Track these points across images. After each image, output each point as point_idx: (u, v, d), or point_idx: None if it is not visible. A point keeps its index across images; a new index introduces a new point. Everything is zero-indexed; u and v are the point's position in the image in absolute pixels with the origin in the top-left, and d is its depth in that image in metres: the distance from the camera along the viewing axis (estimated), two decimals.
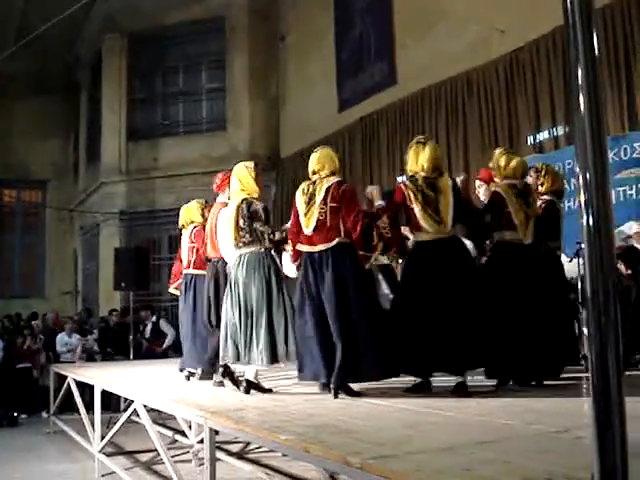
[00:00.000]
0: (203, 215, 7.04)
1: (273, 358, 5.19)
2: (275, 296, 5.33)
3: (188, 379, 6.84)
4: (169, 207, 16.29)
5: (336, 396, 4.71)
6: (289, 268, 5.80)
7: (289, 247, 5.53)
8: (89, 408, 8.14)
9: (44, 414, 11.34)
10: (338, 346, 4.75)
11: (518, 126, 9.86)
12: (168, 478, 6.26)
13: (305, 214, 5.13)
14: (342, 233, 4.98)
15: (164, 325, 12.82)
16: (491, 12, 10.33)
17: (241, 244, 5.54)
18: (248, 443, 7.41)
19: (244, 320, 5.35)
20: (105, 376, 7.72)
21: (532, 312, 4.92)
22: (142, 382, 6.87)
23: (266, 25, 16.79)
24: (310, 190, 5.18)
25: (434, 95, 11.46)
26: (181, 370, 7.05)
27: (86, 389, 9.09)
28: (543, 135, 9.43)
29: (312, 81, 15.04)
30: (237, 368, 5.59)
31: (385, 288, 7.47)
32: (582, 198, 1.84)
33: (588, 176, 1.83)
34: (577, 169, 1.86)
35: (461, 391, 4.62)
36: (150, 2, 16.52)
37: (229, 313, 5.49)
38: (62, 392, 9.66)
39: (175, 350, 11.12)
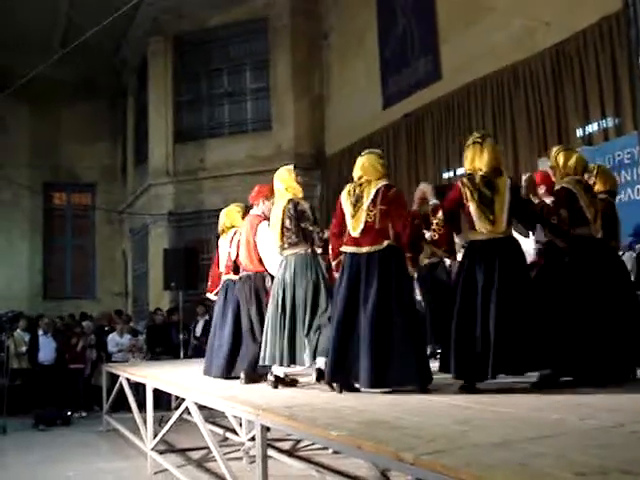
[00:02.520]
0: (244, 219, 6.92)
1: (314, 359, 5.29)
2: (322, 299, 5.37)
3: None
4: (216, 207, 16.34)
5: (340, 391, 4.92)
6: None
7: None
8: (141, 406, 8.26)
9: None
10: (367, 350, 4.75)
11: (566, 119, 9.71)
12: (220, 475, 6.32)
13: (352, 216, 5.11)
14: (391, 236, 5.00)
15: None
16: (536, 3, 10.20)
17: (286, 245, 5.57)
18: (299, 440, 7.44)
19: (290, 322, 5.37)
20: (156, 375, 7.81)
21: (608, 309, 4.82)
22: (192, 381, 6.93)
23: (308, 24, 16.80)
24: (357, 192, 5.17)
25: (480, 89, 11.35)
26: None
27: (138, 388, 9.23)
28: (592, 127, 9.27)
29: (356, 78, 15.00)
30: (278, 370, 5.61)
31: (417, 294, 7.55)
32: None
33: None
34: None
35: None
36: (193, 5, 16.67)
37: (273, 316, 5.51)
38: (114, 391, 9.81)
39: None
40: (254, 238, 6.26)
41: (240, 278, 6.52)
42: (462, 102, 11.76)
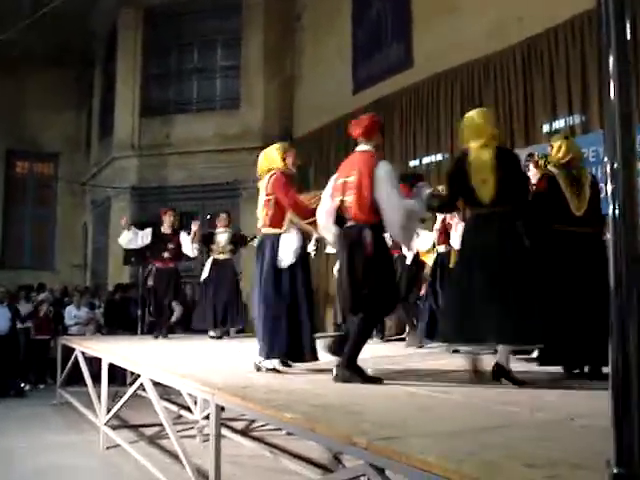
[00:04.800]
0: (284, 159, 5.93)
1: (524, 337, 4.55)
2: (524, 264, 4.62)
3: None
4: (180, 184, 16.34)
5: None
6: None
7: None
8: (96, 380, 8.21)
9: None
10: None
11: (534, 113, 9.79)
12: (173, 453, 6.31)
13: (576, 195, 5.05)
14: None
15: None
16: None
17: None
18: (253, 421, 7.46)
19: (489, 291, 4.55)
20: (113, 350, 7.76)
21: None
22: (149, 357, 6.90)
23: (282, 4, 16.69)
24: (574, 175, 5.15)
25: (450, 80, 11.38)
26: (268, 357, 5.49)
27: (93, 362, 9.16)
28: (559, 123, 9.36)
29: (327, 61, 14.95)
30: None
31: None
32: (609, 188, 1.82)
33: (616, 165, 1.81)
34: (605, 158, 1.84)
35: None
36: None
37: (463, 283, 4.73)
38: (69, 364, 9.73)
39: (184, 328, 11.12)
40: (370, 181, 4.95)
41: (345, 228, 5.06)
42: (432, 91, 11.79)
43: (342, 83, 14.24)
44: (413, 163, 11.96)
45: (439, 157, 11.45)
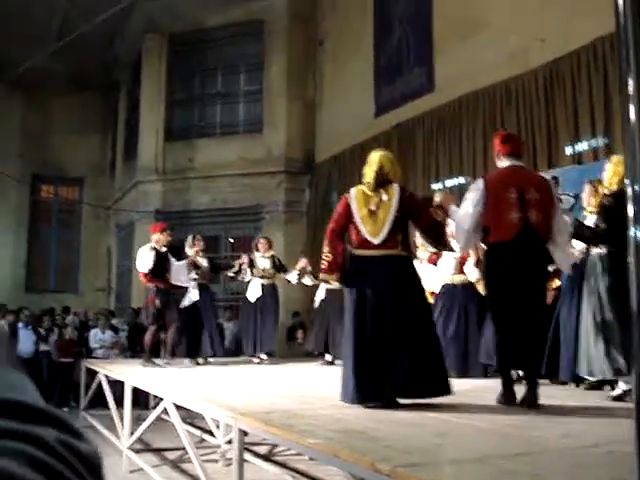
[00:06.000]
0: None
1: None
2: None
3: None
4: (204, 208, 16.42)
5: None
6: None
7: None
8: (119, 404, 8.23)
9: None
10: None
11: (557, 136, 9.77)
12: (195, 477, 6.31)
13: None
14: None
15: None
16: (532, 21, 10.25)
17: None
18: (275, 445, 7.43)
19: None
20: (136, 373, 7.79)
21: None
22: (172, 380, 6.91)
23: (305, 29, 16.82)
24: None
25: (472, 103, 11.39)
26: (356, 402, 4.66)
27: (116, 385, 9.18)
28: (582, 146, 9.33)
29: (349, 86, 15.02)
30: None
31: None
32: (630, 211, 1.81)
33: (637, 188, 1.80)
34: (626, 181, 1.83)
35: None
36: (190, 5, 16.62)
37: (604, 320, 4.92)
38: (93, 387, 9.76)
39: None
40: (550, 201, 4.76)
41: (532, 244, 4.67)
42: (454, 115, 11.80)
43: (364, 107, 14.30)
44: (435, 186, 11.95)
45: (461, 180, 11.42)
